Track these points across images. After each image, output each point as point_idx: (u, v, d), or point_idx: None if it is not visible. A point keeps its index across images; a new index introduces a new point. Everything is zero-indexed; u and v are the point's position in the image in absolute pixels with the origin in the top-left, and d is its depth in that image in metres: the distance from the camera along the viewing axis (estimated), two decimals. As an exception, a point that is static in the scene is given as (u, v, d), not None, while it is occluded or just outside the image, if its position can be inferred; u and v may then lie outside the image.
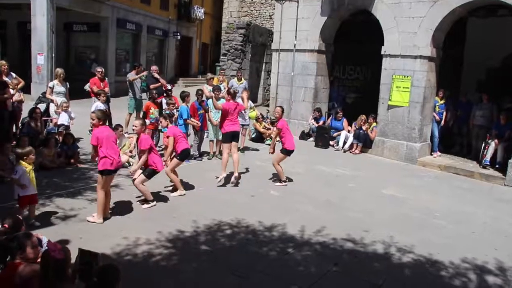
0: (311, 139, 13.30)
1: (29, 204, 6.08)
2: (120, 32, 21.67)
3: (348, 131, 12.77)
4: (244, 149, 11.56)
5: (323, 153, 12.24)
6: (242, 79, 14.92)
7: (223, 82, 14.15)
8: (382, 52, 11.99)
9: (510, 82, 11.93)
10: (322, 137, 12.69)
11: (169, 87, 12.35)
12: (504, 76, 12.67)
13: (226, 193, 8.00)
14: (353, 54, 15.22)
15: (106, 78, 12.35)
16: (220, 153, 10.66)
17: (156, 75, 12.50)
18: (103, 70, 11.86)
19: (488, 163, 11.06)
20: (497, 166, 10.98)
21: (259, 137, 12.73)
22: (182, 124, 10.12)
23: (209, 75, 14.59)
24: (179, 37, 25.93)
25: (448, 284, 5.38)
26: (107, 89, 11.21)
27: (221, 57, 19.06)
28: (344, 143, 12.59)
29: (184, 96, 10.05)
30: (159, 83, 12.22)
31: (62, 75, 10.83)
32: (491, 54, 12.95)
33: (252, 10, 24.76)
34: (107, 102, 10.86)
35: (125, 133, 11.01)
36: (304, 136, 13.56)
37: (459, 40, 13.63)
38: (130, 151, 9.80)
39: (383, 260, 5.84)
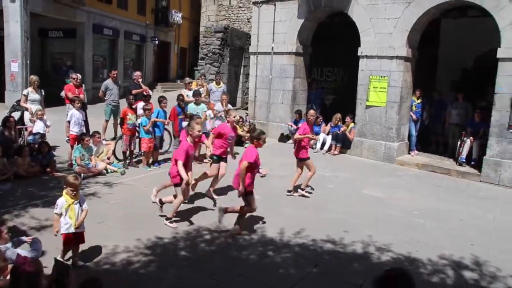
0: (290, 141, 13.32)
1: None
2: (96, 37, 21.42)
3: (327, 133, 12.86)
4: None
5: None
6: (221, 83, 14.88)
7: (202, 86, 14.09)
8: (359, 53, 12.10)
9: (483, 81, 12.13)
10: (301, 139, 12.74)
11: (150, 93, 12.31)
12: (478, 75, 12.92)
13: (205, 199, 7.95)
14: (330, 55, 15.37)
15: (83, 85, 12.19)
16: (199, 157, 10.64)
17: (139, 81, 12.45)
18: (79, 76, 11.69)
19: (464, 161, 11.25)
20: (472, 163, 11.18)
21: (239, 141, 12.68)
22: (161, 127, 10.12)
23: (187, 79, 14.52)
24: (157, 42, 25.77)
25: (426, 281, 5.43)
26: (82, 96, 11.05)
27: (199, 61, 19.03)
28: (323, 144, 12.66)
29: (160, 101, 10.07)
30: (141, 89, 12.16)
31: (36, 82, 10.64)
32: (464, 53, 13.19)
33: (230, 14, 24.75)
34: (83, 109, 10.71)
35: (103, 140, 10.90)
36: (283, 138, 13.59)
37: (434, 41, 13.86)
38: (108, 158, 9.71)
39: (363, 260, 5.87)
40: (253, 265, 5.57)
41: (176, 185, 6.56)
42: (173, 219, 6.70)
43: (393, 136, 11.74)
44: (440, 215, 7.84)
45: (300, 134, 8.29)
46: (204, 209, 7.42)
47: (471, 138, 11.29)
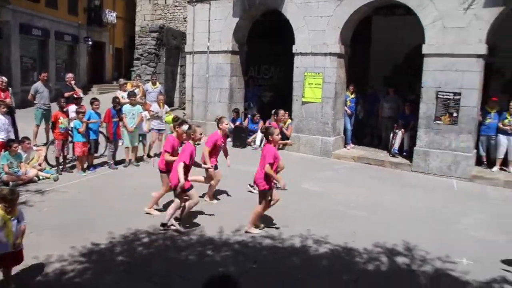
0: (229, 139, 13.34)
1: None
2: (24, 38, 20.40)
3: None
4: (160, 154, 11.34)
5: (241, 152, 12.34)
6: (157, 83, 14.67)
7: (137, 87, 13.82)
8: (294, 51, 12.31)
9: (412, 76, 12.67)
10: (240, 137, 12.82)
11: (81, 95, 11.90)
12: (407, 70, 13.50)
13: (141, 200, 7.79)
14: (267, 53, 15.54)
15: (10, 89, 11.60)
16: (136, 159, 10.44)
17: (71, 83, 12.03)
18: (4, 79, 11.06)
19: (396, 152, 11.74)
20: (404, 154, 11.69)
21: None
22: (96, 130, 9.83)
23: (122, 80, 14.20)
24: (90, 43, 24.95)
25: (362, 269, 5.63)
26: (8, 100, 10.47)
27: (135, 61, 18.63)
28: (261, 141, 12.78)
29: (91, 102, 9.80)
30: (74, 91, 11.76)
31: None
32: (395, 50, 13.73)
33: (166, 13, 24.38)
34: (10, 113, 10.20)
35: (34, 145, 10.46)
36: (222, 137, 13.58)
37: (366, 37, 14.34)
38: (39, 164, 9.32)
39: (301, 253, 5.99)
40: (192, 265, 5.54)
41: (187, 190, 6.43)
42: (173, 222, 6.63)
43: (329, 131, 12.05)
44: (374, 205, 8.14)
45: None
46: (143, 211, 7.29)
47: (403, 130, 11.80)
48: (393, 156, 11.73)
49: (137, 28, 23.65)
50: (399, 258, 5.98)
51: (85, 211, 7.17)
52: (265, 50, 15.25)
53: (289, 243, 6.29)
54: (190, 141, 6.67)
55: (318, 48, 11.94)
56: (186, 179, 6.37)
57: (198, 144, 6.86)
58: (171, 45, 19.58)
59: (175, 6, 24.08)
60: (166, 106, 11.55)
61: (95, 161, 10.20)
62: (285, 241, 6.35)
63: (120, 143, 10.54)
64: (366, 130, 13.99)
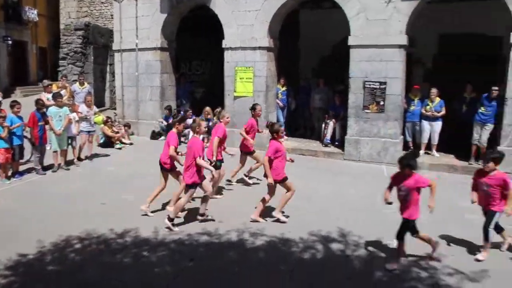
0: (162, 138, 13.16)
1: None
2: None
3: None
4: (93, 156, 11.00)
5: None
6: (85, 83, 14.15)
7: (64, 88, 13.27)
8: (223, 46, 12.29)
9: (340, 67, 13.01)
10: (173, 134, 12.62)
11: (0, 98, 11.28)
12: (335, 61, 13.85)
13: (73, 205, 7.54)
14: (198, 49, 15.42)
15: None
16: (66, 163, 10.04)
17: None
18: None
19: (329, 142, 12.07)
20: (336, 143, 12.04)
21: (108, 142, 12.21)
22: (20, 135, 9.33)
23: (46, 82, 13.58)
24: (10, 42, 23.59)
25: (299, 258, 5.75)
26: None
27: (60, 61, 17.83)
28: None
29: (12, 106, 9.26)
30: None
31: None
32: (322, 42, 14.05)
33: (92, 10, 23.51)
34: None
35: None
36: (154, 135, 13.37)
37: (295, 30, 14.57)
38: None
39: (238, 247, 6.02)
40: (128, 268, 5.42)
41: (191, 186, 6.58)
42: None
43: (261, 124, 12.12)
44: (309, 194, 8.31)
45: (246, 129, 8.84)
46: (75, 215, 7.03)
47: (333, 120, 12.13)
48: (326, 146, 12.04)
49: (61, 26, 22.63)
50: (334, 245, 6.16)
51: (10, 221, 6.80)
52: (196, 46, 15.11)
53: (225, 238, 6.30)
54: (196, 135, 6.94)
55: (248, 42, 11.99)
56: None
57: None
58: (99, 43, 18.93)
59: (102, 2, 23.28)
60: (94, 107, 11.19)
61: (21, 168, 9.69)
62: (221, 236, 6.35)
63: (48, 147, 10.09)
64: (299, 122, 14.25)
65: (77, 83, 13.95)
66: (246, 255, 5.82)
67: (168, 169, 7.23)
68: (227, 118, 8.20)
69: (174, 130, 7.22)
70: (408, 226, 5.53)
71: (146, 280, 5.12)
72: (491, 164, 5.75)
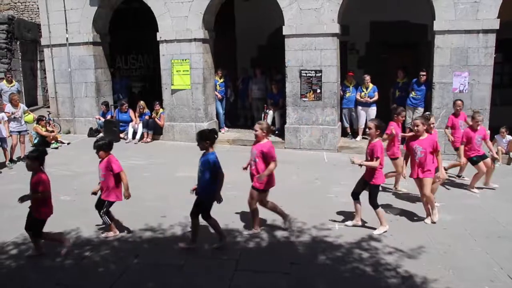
0: (101, 134, 12.79)
1: None
2: None
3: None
4: (26, 157, 10.50)
5: (115, 147, 11.75)
6: (13, 81, 13.49)
7: (-11, 86, 12.60)
8: (158, 38, 12.08)
9: (277, 55, 13.16)
10: (111, 131, 12.29)
11: None
12: (272, 50, 13.98)
13: (8, 209, 7.19)
14: (133, 42, 15.04)
15: None
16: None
17: None
18: None
19: (269, 131, 12.17)
20: (276, 132, 12.21)
21: (43, 142, 11.71)
22: None
23: (-31, 80, 12.82)
24: None
25: (244, 248, 5.83)
26: None
27: (-16, 58, 16.84)
28: (135, 134, 12.46)
29: None
30: None
31: None
32: (258, 31, 14.13)
33: (16, 3, 22.27)
34: None
35: None
36: (92, 133, 12.95)
37: (230, 21, 14.55)
38: None
39: (183, 241, 5.99)
40: (70, 269, 5.26)
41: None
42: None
43: (201, 117, 12.11)
44: (251, 184, 8.36)
45: (388, 134, 7.71)
46: (10, 220, 6.71)
47: (272, 109, 12.27)
48: (266, 135, 12.15)
49: (-19, 20, 21.34)
50: (278, 232, 6.28)
51: None
52: (132, 39, 14.72)
53: (170, 232, 6.27)
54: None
55: (182, 34, 11.85)
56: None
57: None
58: (26, 39, 18.03)
59: (26, -6, 22.16)
60: (23, 105, 10.67)
61: None
62: (165, 231, 6.31)
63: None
64: (240, 112, 14.31)
65: (4, 81, 13.27)
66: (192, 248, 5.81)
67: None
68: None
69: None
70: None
71: (90, 280, 5.00)
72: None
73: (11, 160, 10.15)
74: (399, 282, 4.92)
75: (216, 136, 5.82)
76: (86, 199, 7.58)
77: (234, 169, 7.71)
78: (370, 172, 6.19)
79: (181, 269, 5.24)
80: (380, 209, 6.30)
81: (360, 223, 6.46)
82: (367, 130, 6.43)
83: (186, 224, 6.47)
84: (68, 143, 12.25)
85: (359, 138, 11.74)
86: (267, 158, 6.13)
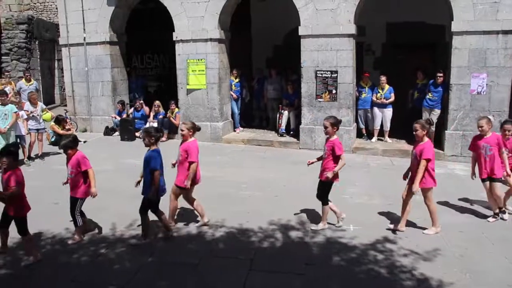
0: (116, 133, 12.93)
1: None
2: None
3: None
4: (44, 154, 10.66)
5: (130, 145, 11.98)
6: (32, 79, 13.68)
7: (7, 85, 12.76)
8: (174, 38, 12.14)
9: (293, 56, 13.15)
10: (127, 130, 12.41)
11: None
12: (288, 51, 13.96)
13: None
14: (149, 42, 15.16)
15: None
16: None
17: None
18: None
19: (284, 131, 12.20)
20: (291, 132, 12.19)
21: (60, 140, 11.82)
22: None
23: (-12, 79, 13.01)
24: None
25: (258, 248, 5.80)
26: None
27: (3, 57, 17.06)
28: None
29: None
30: None
31: None
32: (274, 31, 14.13)
33: (35, 3, 22.59)
34: None
35: None
36: (108, 131, 13.08)
37: (246, 21, 14.57)
38: None
39: (197, 240, 6.03)
40: (86, 266, 5.32)
41: None
42: None
43: (217, 116, 12.14)
44: (266, 184, 8.40)
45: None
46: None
47: (288, 110, 12.25)
48: (281, 135, 12.17)
49: (2, 20, 21.66)
50: (292, 233, 6.26)
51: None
52: (148, 38, 14.84)
53: (185, 231, 6.29)
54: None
55: (198, 34, 11.90)
56: None
57: None
58: (45, 38, 18.27)
59: (45, -6, 22.44)
60: (41, 104, 10.81)
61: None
62: (180, 229, 6.33)
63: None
64: (255, 113, 14.32)
65: (23, 80, 13.46)
66: (206, 246, 5.83)
67: None
68: None
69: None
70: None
71: (105, 277, 5.04)
72: None
73: (29, 158, 10.29)
74: (414, 284, 4.87)
75: (161, 135, 6.08)
76: (102, 197, 7.67)
77: (248, 170, 7.82)
78: (325, 169, 6.28)
79: (195, 268, 5.25)
80: (327, 206, 6.35)
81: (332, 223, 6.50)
82: (323, 129, 6.36)
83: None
84: (85, 141, 12.34)
85: (374, 139, 11.67)
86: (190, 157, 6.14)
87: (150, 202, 5.83)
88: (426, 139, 6.05)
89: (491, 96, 9.88)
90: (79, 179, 5.95)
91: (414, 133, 6.10)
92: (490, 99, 9.89)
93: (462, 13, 9.80)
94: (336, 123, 6.22)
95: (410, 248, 5.70)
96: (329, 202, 6.40)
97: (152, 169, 5.72)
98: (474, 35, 9.78)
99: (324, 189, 6.36)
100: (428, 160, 5.91)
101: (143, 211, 5.88)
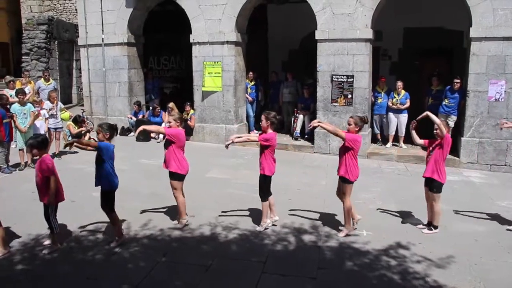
0: (132, 133, 13.05)
1: None
2: None
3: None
4: (61, 153, 10.81)
5: (145, 146, 12.10)
6: (50, 79, 13.88)
7: (27, 84, 12.96)
8: (191, 40, 12.24)
9: (309, 60, 13.17)
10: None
11: None
12: (304, 55, 14.01)
13: (38, 205, 7.37)
14: (166, 44, 15.31)
15: None
16: (33, 161, 9.82)
17: None
18: None
19: (298, 135, 12.20)
20: (306, 136, 12.18)
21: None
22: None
23: (8, 77, 13.17)
24: (-32, 38, 22.84)
25: (271, 250, 5.82)
26: None
27: (24, 57, 17.36)
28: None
29: None
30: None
31: None
32: (291, 36, 14.17)
33: (55, 4, 22.97)
34: None
35: None
36: (124, 131, 13.21)
37: (263, 25, 14.63)
38: None
39: (211, 241, 6.06)
40: (100, 264, 5.39)
41: None
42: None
43: (232, 119, 12.20)
44: (280, 187, 8.34)
45: None
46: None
47: (303, 113, 12.25)
48: (296, 139, 12.17)
49: (23, 21, 22.02)
50: (305, 236, 6.26)
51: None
52: (165, 40, 14.99)
53: (198, 232, 6.33)
54: None
55: (215, 37, 11.97)
56: None
57: None
58: (64, 39, 18.54)
59: (65, -4, 22.78)
60: (60, 103, 10.98)
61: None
62: (194, 230, 6.37)
63: (13, 146, 9.86)
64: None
65: (42, 79, 13.67)
66: (219, 248, 5.86)
67: None
68: None
69: None
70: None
71: (118, 276, 5.10)
72: None
73: (46, 156, 10.43)
74: (427, 291, 4.85)
75: (116, 132, 6.25)
76: (117, 196, 7.76)
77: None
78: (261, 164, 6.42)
79: (208, 269, 5.29)
80: (266, 203, 6.39)
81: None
82: (260, 123, 6.52)
83: (215, 224, 6.55)
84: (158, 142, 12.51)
85: (389, 145, 11.61)
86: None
87: (106, 197, 5.92)
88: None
89: (510, 103, 9.77)
90: (44, 183, 5.62)
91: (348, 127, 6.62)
92: (508, 106, 9.78)
93: (482, 19, 9.72)
94: (269, 118, 6.33)
95: (424, 255, 5.67)
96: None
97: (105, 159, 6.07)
98: (493, 41, 9.69)
99: (264, 184, 6.43)
100: None
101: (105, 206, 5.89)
